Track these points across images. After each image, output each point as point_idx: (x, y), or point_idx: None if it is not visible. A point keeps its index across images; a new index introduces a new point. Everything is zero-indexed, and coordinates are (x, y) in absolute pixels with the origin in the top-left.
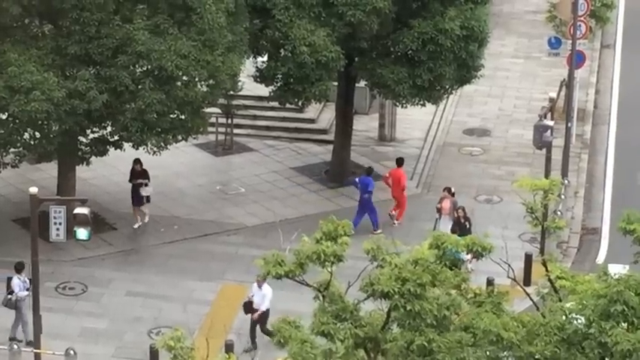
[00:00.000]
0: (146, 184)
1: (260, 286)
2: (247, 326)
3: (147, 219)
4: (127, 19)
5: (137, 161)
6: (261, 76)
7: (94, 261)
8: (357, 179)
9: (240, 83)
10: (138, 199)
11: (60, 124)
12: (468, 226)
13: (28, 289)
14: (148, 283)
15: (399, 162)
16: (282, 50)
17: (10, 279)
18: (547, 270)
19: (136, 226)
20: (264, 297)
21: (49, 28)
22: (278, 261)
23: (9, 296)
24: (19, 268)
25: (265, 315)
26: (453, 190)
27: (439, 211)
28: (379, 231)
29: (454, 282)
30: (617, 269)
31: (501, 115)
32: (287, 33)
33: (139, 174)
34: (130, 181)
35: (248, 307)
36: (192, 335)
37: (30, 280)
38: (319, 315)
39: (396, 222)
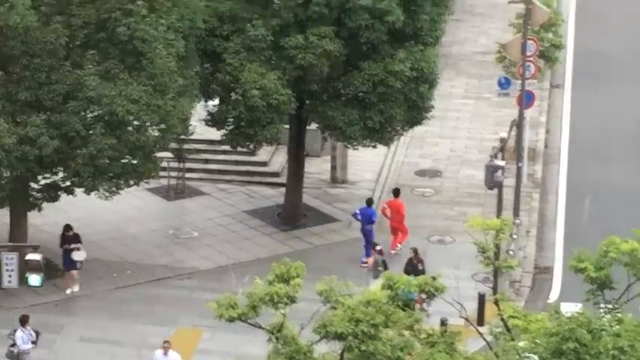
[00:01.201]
0: (78, 249)
1: (166, 353)
2: None
3: (77, 288)
4: (77, 65)
5: (68, 227)
6: (213, 120)
7: (47, 307)
8: (357, 211)
9: (191, 127)
10: (69, 264)
11: (11, 171)
12: (421, 267)
13: (34, 342)
14: (102, 328)
15: (396, 192)
16: (233, 94)
17: (14, 331)
18: (499, 309)
19: (68, 291)
20: None
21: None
22: (231, 304)
23: (11, 349)
24: (23, 321)
25: None
26: (379, 246)
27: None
28: (370, 259)
29: (407, 322)
30: (569, 307)
31: (452, 155)
32: (238, 76)
33: (70, 239)
34: (62, 246)
35: None
36: None
37: (37, 332)
38: (273, 357)
39: (399, 245)
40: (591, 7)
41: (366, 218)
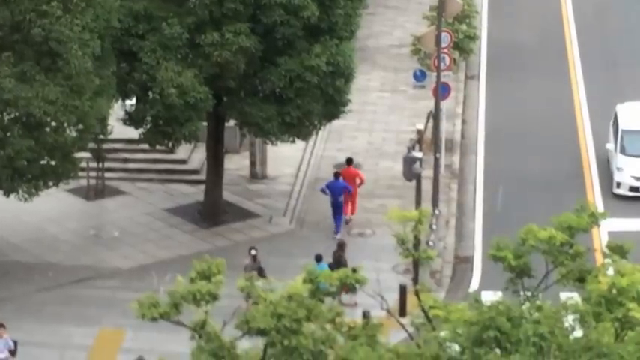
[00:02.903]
0: None
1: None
2: None
3: None
4: None
5: None
6: (131, 119)
7: None
8: (324, 186)
9: (109, 127)
10: None
11: None
12: (343, 260)
13: (12, 351)
14: (25, 330)
15: (349, 161)
16: (150, 93)
17: None
18: (420, 300)
19: None
20: None
21: None
22: (152, 303)
23: None
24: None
25: None
26: (254, 250)
27: None
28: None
29: (329, 316)
30: (489, 296)
31: (371, 148)
32: (154, 75)
33: None
34: None
35: None
36: None
37: (15, 342)
38: (197, 355)
39: (351, 216)
40: None
41: (337, 191)
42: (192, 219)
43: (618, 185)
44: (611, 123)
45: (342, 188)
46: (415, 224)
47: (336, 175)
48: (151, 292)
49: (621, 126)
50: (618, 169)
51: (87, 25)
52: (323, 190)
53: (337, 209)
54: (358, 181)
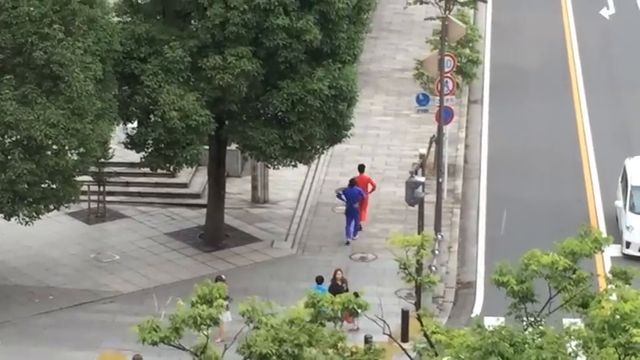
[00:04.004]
0: None
1: None
2: None
3: None
4: None
5: None
6: (132, 143)
7: None
8: (340, 192)
9: (110, 150)
10: None
11: None
12: (345, 287)
13: None
14: (25, 354)
15: (361, 168)
16: (151, 116)
17: None
18: (422, 325)
19: None
20: None
21: None
22: (153, 327)
23: None
24: None
25: None
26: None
27: None
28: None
29: (331, 341)
30: (491, 321)
31: (373, 173)
32: (156, 98)
33: None
34: None
35: None
36: None
37: None
38: None
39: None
40: (506, 23)
41: (353, 197)
42: (194, 243)
43: (628, 245)
44: (620, 179)
45: (357, 194)
46: (417, 249)
47: (352, 182)
48: (152, 316)
49: (631, 182)
50: (628, 228)
51: (89, 48)
52: (339, 196)
53: (352, 215)
54: (370, 187)
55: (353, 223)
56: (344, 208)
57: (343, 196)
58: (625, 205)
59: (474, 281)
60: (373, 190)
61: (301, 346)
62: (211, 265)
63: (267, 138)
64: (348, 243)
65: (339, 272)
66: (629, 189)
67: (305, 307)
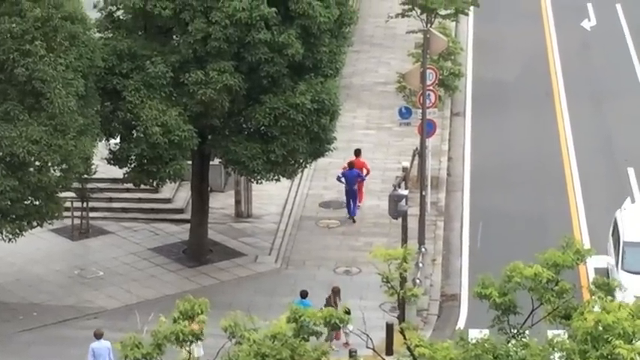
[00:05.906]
0: None
1: None
2: None
3: None
4: None
5: None
6: (115, 158)
7: None
8: (340, 175)
9: (93, 166)
10: None
11: None
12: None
13: None
14: None
15: (358, 153)
16: (134, 131)
17: None
18: (405, 338)
19: None
20: None
21: None
22: (135, 344)
23: None
24: None
25: None
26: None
27: None
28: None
29: (314, 356)
30: (475, 334)
31: None
32: (138, 114)
33: None
34: None
35: None
36: None
37: None
38: None
39: (359, 204)
40: (488, 35)
41: (352, 179)
42: (178, 258)
43: None
44: (610, 232)
45: (355, 176)
46: (400, 262)
47: (350, 164)
48: (135, 332)
49: (623, 237)
50: (621, 289)
51: (70, 64)
52: (339, 179)
53: (352, 196)
54: (364, 171)
55: (352, 202)
56: (329, 221)
57: (343, 179)
58: (617, 262)
59: (458, 294)
60: (368, 174)
61: None
62: (195, 281)
63: (250, 152)
64: (353, 220)
65: (336, 288)
66: (620, 245)
67: (287, 321)
